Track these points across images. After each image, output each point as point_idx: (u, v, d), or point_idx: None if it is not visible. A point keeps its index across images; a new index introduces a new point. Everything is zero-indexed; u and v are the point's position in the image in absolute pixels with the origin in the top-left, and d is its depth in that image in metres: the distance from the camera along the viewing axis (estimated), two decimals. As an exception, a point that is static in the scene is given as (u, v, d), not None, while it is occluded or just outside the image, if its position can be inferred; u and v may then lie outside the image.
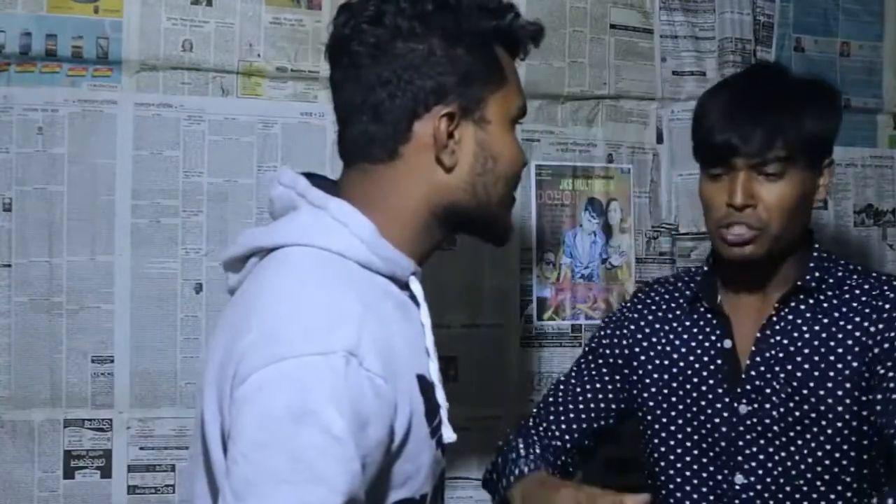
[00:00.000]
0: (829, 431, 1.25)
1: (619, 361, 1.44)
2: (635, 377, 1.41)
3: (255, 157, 1.64)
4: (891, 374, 1.22)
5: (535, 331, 1.78)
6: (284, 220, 0.98)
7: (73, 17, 1.57)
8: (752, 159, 1.25)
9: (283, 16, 1.66)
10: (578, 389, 1.45)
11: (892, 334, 1.24)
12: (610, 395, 1.43)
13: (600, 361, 1.45)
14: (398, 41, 0.96)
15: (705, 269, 1.40)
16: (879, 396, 1.21)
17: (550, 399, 1.47)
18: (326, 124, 1.67)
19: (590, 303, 1.81)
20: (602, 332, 1.48)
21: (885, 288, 1.30)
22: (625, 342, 1.44)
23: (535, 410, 1.50)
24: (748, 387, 1.30)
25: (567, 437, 1.43)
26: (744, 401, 1.30)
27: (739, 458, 1.29)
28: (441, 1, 0.97)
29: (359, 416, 0.83)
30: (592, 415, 1.43)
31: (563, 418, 1.44)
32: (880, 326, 1.26)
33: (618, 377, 1.43)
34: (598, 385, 1.44)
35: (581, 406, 1.44)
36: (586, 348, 1.50)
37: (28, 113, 1.55)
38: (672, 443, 1.36)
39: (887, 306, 1.27)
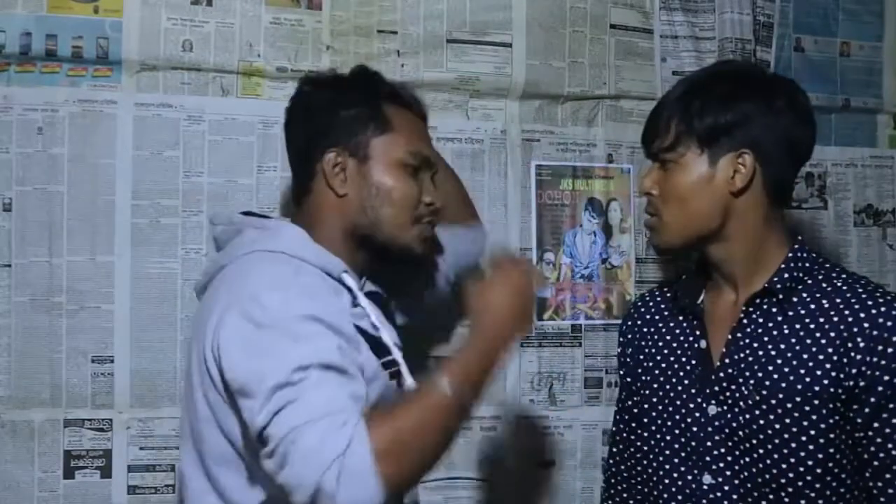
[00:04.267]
0: (796, 439, 1.22)
1: (629, 379, 1.46)
2: (635, 386, 1.43)
3: (255, 157, 1.64)
4: (884, 414, 1.20)
5: (535, 331, 1.78)
6: (234, 243, 1.26)
7: (73, 17, 1.57)
8: (651, 149, 1.33)
9: (283, 16, 1.66)
10: (620, 418, 1.49)
11: (880, 360, 1.20)
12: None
13: (626, 380, 1.48)
14: (303, 109, 1.32)
15: (692, 268, 1.41)
16: (873, 439, 1.21)
17: (614, 429, 1.51)
18: (326, 124, 1.67)
19: (590, 303, 1.81)
20: (618, 356, 1.52)
21: (869, 300, 1.23)
22: (628, 360, 1.47)
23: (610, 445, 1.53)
24: (716, 388, 1.29)
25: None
26: (713, 402, 1.29)
27: (708, 458, 1.28)
28: (323, 80, 1.35)
29: (316, 317, 1.11)
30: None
31: (622, 449, 1.48)
32: (860, 344, 1.20)
33: (631, 381, 1.45)
34: (631, 407, 1.46)
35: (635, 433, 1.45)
36: (617, 364, 1.55)
37: (28, 113, 1.56)
38: (649, 441, 1.36)
39: (874, 321, 1.21)
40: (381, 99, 1.30)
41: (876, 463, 1.22)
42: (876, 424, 1.21)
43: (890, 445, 1.21)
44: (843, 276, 1.29)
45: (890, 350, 1.20)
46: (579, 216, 1.81)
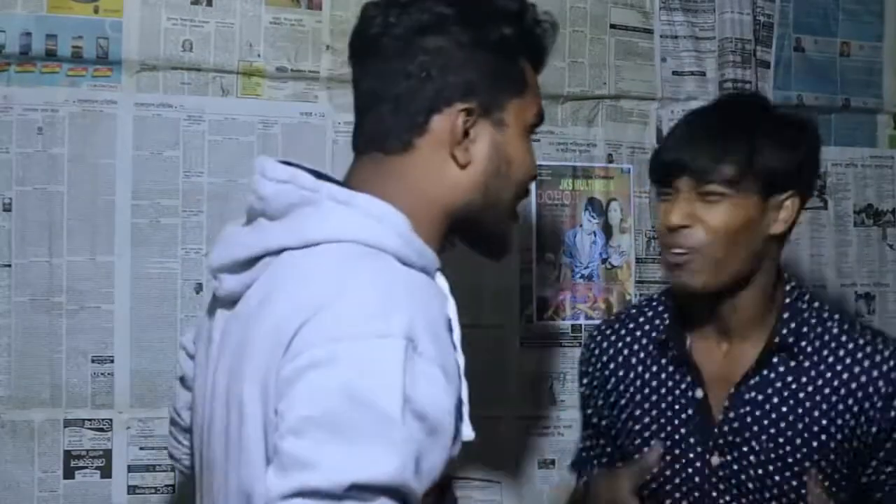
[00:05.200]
0: (805, 491, 1.23)
1: (605, 423, 1.41)
2: (619, 423, 1.38)
3: (255, 156, 1.63)
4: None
5: (535, 331, 1.78)
6: (305, 218, 0.94)
7: (73, 17, 1.56)
8: (695, 178, 1.22)
9: (283, 16, 1.66)
10: (592, 443, 1.47)
11: (893, 413, 1.24)
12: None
13: (590, 412, 1.45)
14: (426, 36, 0.97)
15: (666, 307, 1.36)
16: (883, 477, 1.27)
17: (583, 453, 1.50)
18: (326, 124, 1.67)
19: (590, 303, 1.81)
20: (584, 385, 1.46)
21: (876, 354, 1.25)
22: (600, 402, 1.41)
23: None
24: (720, 440, 1.27)
25: None
26: (716, 452, 1.27)
27: None
28: (470, 1, 0.99)
29: (411, 402, 0.81)
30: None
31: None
32: (878, 403, 1.23)
33: (608, 425, 1.41)
34: (604, 445, 1.45)
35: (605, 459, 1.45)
36: (581, 400, 1.48)
37: (28, 113, 1.55)
38: (646, 489, 1.32)
39: (887, 377, 1.23)
40: (517, 48, 1.02)
41: (888, 488, 1.27)
42: (890, 469, 1.27)
43: None
44: (837, 319, 1.28)
45: None
46: (579, 216, 1.81)
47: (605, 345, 1.42)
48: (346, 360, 0.81)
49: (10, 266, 1.55)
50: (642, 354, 1.37)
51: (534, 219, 1.79)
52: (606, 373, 1.40)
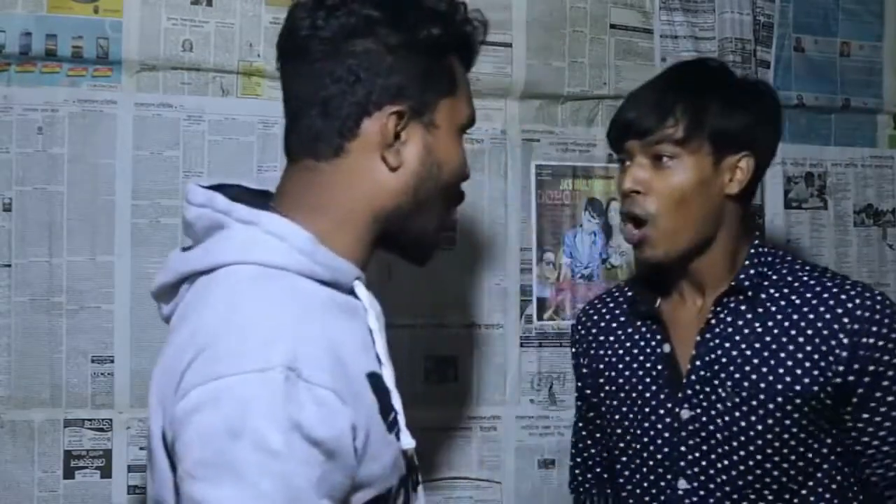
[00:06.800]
0: (780, 439, 1.21)
1: (588, 391, 1.45)
2: (597, 397, 1.42)
3: (255, 157, 1.64)
4: (882, 411, 1.22)
5: (535, 331, 1.78)
6: (215, 241, 0.95)
7: (73, 17, 1.57)
8: (643, 138, 1.23)
9: (282, 16, 1.64)
10: (582, 425, 1.51)
11: (864, 352, 1.19)
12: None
13: (586, 392, 1.47)
14: (354, 38, 0.97)
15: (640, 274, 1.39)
16: (869, 434, 1.24)
17: (574, 439, 1.53)
18: (326, 124, 1.67)
19: (590, 303, 1.81)
20: (574, 366, 1.51)
21: (842, 294, 1.22)
22: (584, 370, 1.46)
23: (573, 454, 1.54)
24: (689, 391, 1.27)
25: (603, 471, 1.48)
26: (685, 406, 1.27)
27: (682, 463, 1.26)
28: (397, 3, 0.99)
29: (301, 429, 0.82)
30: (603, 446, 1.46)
31: (592, 454, 1.49)
32: (844, 340, 1.19)
33: (591, 392, 1.45)
34: (593, 417, 1.47)
35: (596, 443, 1.48)
36: (574, 372, 1.52)
37: (28, 113, 1.56)
38: (619, 448, 1.35)
39: (852, 315, 1.20)
40: (447, 47, 1.02)
41: (871, 451, 1.24)
42: (865, 415, 1.22)
43: (882, 433, 1.23)
44: (807, 268, 1.28)
45: (871, 340, 1.19)
46: (579, 216, 1.81)
47: (589, 314, 1.47)
48: (227, 399, 0.82)
49: (10, 266, 1.55)
50: (622, 319, 1.40)
51: (534, 219, 1.79)
52: (590, 338, 1.44)
